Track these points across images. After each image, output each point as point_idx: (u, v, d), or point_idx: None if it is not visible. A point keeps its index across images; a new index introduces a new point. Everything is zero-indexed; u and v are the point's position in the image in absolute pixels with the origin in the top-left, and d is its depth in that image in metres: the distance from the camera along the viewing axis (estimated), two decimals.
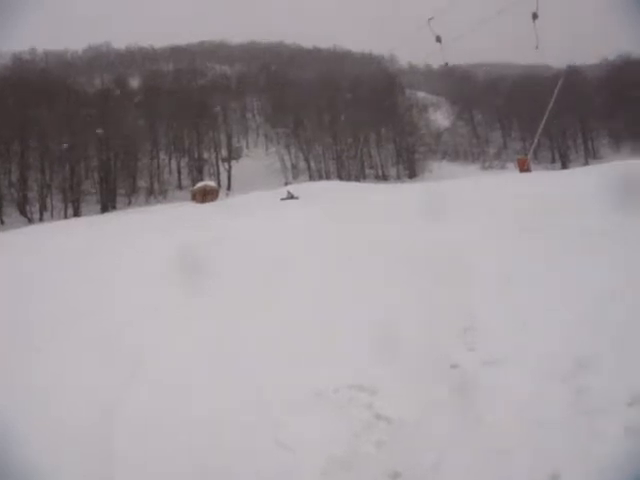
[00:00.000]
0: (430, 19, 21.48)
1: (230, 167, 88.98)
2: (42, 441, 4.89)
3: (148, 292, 10.29)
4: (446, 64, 22.61)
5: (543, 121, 67.83)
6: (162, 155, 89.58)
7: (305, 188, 50.97)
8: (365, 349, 6.29)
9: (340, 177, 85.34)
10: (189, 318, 8.30)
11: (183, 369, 6.36)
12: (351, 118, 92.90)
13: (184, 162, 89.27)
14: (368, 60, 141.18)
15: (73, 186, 70.28)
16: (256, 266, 11.56)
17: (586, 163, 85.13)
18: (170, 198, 76.51)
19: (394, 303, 7.75)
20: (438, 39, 22.20)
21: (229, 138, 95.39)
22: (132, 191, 77.15)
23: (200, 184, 64.96)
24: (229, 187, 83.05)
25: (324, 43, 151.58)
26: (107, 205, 71.55)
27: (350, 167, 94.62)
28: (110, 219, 42.53)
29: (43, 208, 68.15)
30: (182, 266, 11.24)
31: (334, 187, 52.20)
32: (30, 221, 61.39)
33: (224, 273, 10.89)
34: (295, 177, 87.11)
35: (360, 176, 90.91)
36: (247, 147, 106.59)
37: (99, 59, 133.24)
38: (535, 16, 19.26)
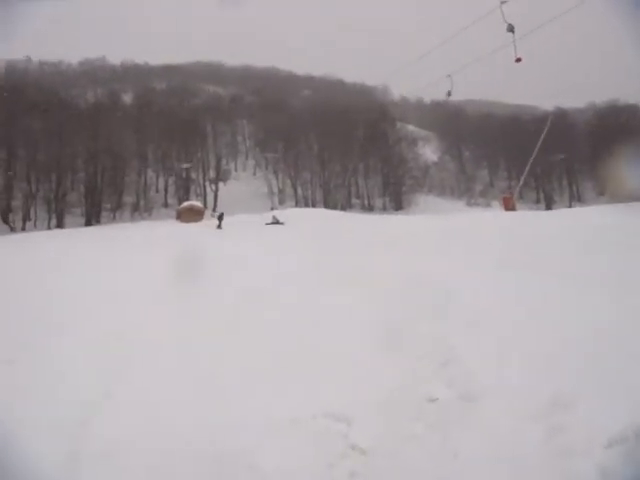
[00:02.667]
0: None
1: (217, 189, 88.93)
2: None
3: (136, 307, 10.23)
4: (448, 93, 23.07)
5: (530, 161, 68.59)
6: (150, 172, 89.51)
7: (291, 214, 51.08)
8: (343, 378, 6.29)
9: (326, 205, 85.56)
10: (174, 335, 8.24)
11: (163, 387, 6.28)
12: (340, 147, 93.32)
13: (171, 181, 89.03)
14: (360, 90, 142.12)
15: (58, 197, 69.84)
16: (241, 289, 11.57)
17: (570, 205, 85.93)
18: (155, 216, 76.30)
19: (373, 334, 7.73)
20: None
21: (218, 160, 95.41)
22: (117, 206, 76.81)
23: (186, 204, 64.79)
24: (215, 208, 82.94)
25: (317, 71, 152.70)
26: (91, 219, 71.15)
27: (337, 196, 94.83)
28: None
29: (27, 217, 67.69)
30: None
31: (320, 215, 52.38)
32: (12, 230, 60.80)
33: (211, 295, 10.89)
34: (281, 202, 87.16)
35: (346, 205, 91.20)
36: (235, 170, 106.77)
37: (93, 73, 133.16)
38: (519, 60, 20.38)
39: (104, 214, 74.71)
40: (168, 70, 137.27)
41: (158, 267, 13.90)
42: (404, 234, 23.96)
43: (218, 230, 39.73)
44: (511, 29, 19.20)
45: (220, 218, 44.37)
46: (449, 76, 22.64)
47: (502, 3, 19.07)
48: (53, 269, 15.24)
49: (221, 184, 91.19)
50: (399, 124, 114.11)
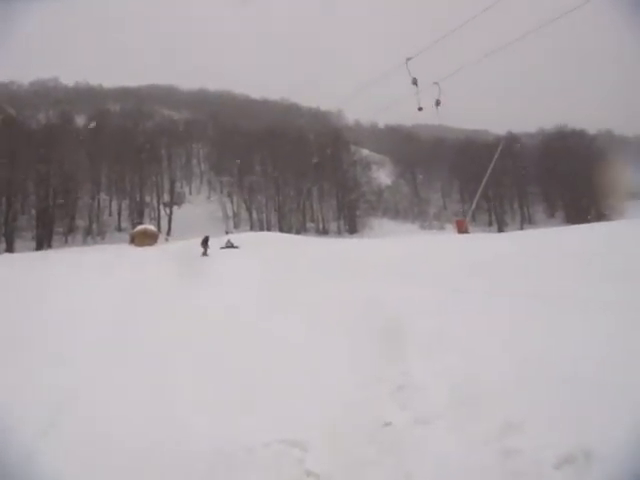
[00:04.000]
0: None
1: (171, 212, 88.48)
2: None
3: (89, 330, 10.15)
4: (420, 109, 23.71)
5: (482, 185, 69.95)
6: (103, 195, 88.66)
7: (247, 238, 50.97)
8: (298, 404, 6.27)
9: (281, 229, 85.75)
10: (127, 358, 8.14)
11: (112, 414, 6.19)
12: (295, 171, 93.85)
13: (125, 204, 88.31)
14: (315, 114, 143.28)
15: (8, 221, 68.59)
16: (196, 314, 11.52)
17: (521, 228, 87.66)
18: (108, 239, 75.48)
19: (329, 358, 7.76)
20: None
21: (172, 183, 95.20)
22: (69, 230, 75.73)
23: (140, 227, 64.22)
24: (169, 232, 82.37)
25: (272, 95, 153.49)
26: (42, 243, 69.92)
27: (291, 219, 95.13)
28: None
29: None
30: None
31: (275, 238, 52.46)
32: None
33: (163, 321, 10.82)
34: (236, 226, 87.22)
35: (301, 229, 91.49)
36: (190, 193, 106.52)
37: (46, 94, 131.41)
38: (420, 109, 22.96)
39: (56, 238, 73.59)
40: (122, 92, 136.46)
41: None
42: (361, 257, 24.14)
43: (204, 258, 34.92)
44: (415, 82, 21.64)
45: (205, 243, 38.16)
46: (436, 83, 22.74)
47: (408, 60, 21.03)
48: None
49: (175, 208, 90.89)
50: (353, 148, 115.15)
